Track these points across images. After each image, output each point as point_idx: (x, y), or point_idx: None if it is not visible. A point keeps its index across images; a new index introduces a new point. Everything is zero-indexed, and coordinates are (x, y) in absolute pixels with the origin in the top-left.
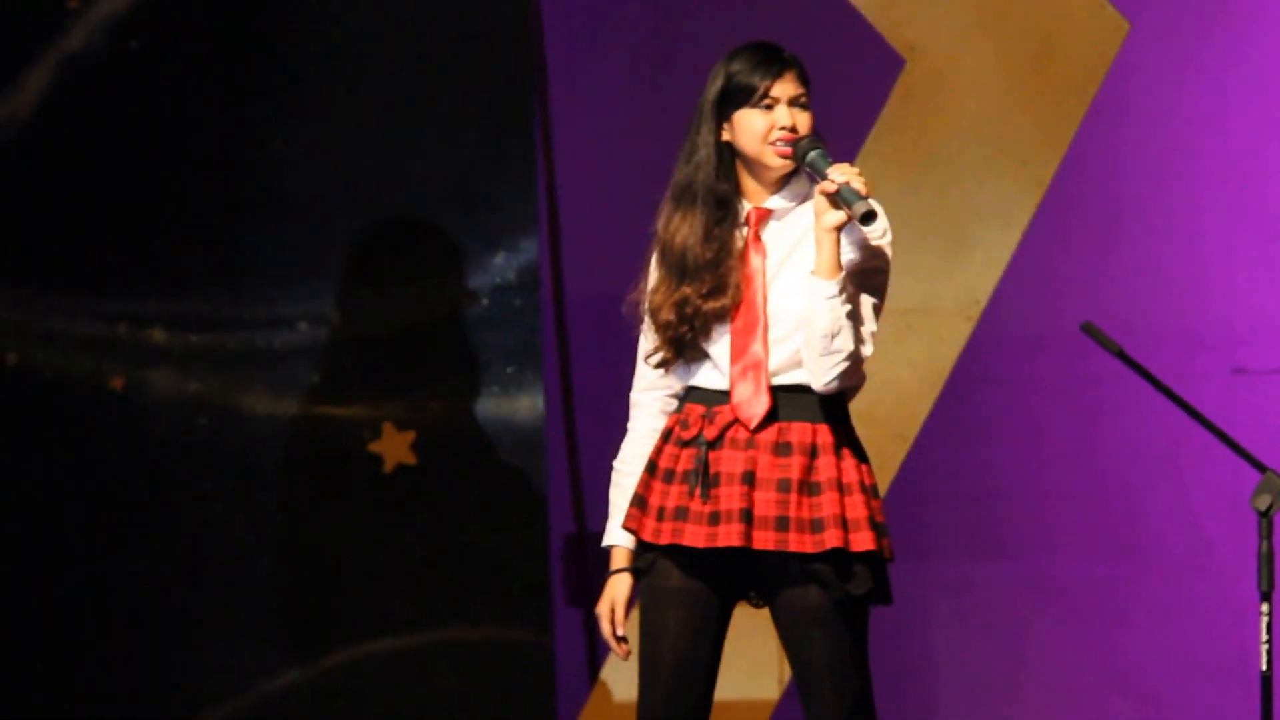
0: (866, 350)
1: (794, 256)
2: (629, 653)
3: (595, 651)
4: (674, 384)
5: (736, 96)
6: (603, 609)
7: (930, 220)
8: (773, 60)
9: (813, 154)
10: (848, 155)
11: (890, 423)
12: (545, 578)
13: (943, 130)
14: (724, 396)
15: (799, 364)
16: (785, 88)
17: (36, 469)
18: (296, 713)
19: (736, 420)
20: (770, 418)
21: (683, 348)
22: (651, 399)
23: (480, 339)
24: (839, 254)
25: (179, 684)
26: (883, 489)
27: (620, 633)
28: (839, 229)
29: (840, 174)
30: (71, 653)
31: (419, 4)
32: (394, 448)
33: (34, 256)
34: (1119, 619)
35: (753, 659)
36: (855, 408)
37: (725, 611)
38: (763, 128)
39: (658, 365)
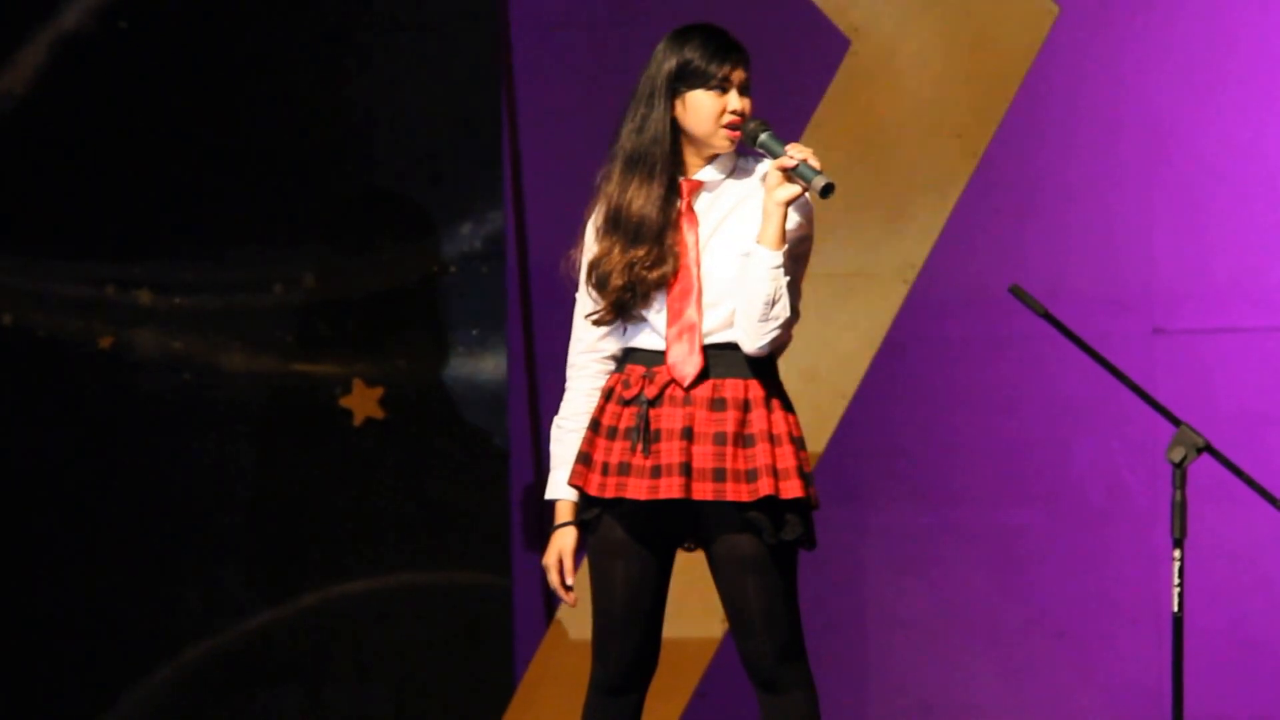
0: (796, 316)
1: (725, 226)
2: (576, 600)
3: (551, 594)
4: (610, 347)
5: (692, 78)
6: (550, 560)
7: (871, 191)
8: (731, 49)
9: (763, 136)
10: (795, 129)
11: (831, 380)
12: (506, 524)
13: (884, 107)
14: (661, 357)
15: (729, 325)
16: (738, 74)
17: (31, 421)
18: (271, 649)
19: (674, 379)
20: (704, 375)
21: (624, 310)
22: (588, 360)
23: (447, 304)
24: (785, 227)
25: (162, 622)
26: (823, 443)
27: (569, 582)
28: (789, 203)
29: (799, 152)
30: (59, 592)
31: None
32: (363, 403)
33: (29, 224)
34: (1043, 563)
35: (702, 601)
36: (799, 365)
37: (666, 559)
38: (715, 110)
39: (597, 323)
